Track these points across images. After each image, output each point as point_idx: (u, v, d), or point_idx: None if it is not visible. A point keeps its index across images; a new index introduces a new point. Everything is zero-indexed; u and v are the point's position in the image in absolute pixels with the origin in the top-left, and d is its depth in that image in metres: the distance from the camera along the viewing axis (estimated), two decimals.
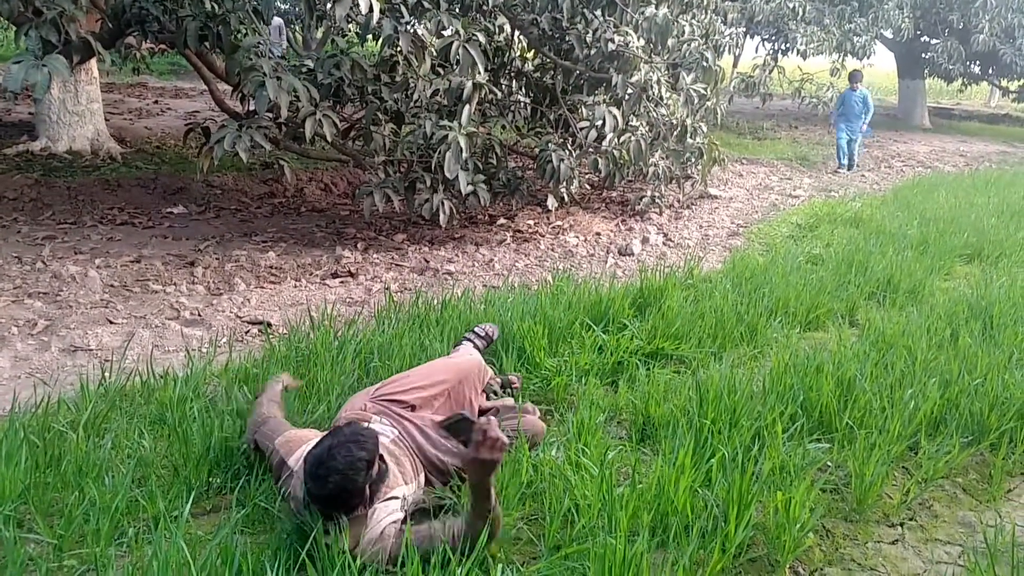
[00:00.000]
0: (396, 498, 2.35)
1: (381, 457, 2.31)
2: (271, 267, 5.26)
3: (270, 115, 5.33)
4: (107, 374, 3.28)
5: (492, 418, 2.23)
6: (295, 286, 4.95)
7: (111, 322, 4.17)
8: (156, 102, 12.37)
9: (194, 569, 2.01)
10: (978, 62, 16.80)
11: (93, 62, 7.98)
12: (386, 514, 2.27)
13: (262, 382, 3.15)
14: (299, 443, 2.46)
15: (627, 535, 2.21)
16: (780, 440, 2.88)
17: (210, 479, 2.63)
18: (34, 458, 2.56)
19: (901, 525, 2.69)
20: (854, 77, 11.17)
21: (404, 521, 2.30)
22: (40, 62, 4.23)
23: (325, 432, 2.41)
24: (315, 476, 2.15)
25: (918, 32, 16.30)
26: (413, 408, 2.75)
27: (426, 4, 5.36)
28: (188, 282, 4.87)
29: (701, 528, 2.42)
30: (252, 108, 5.34)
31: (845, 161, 11.20)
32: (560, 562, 2.27)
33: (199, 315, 4.34)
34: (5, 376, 3.48)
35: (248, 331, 4.19)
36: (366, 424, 2.49)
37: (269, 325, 4.20)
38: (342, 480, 2.13)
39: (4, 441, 2.59)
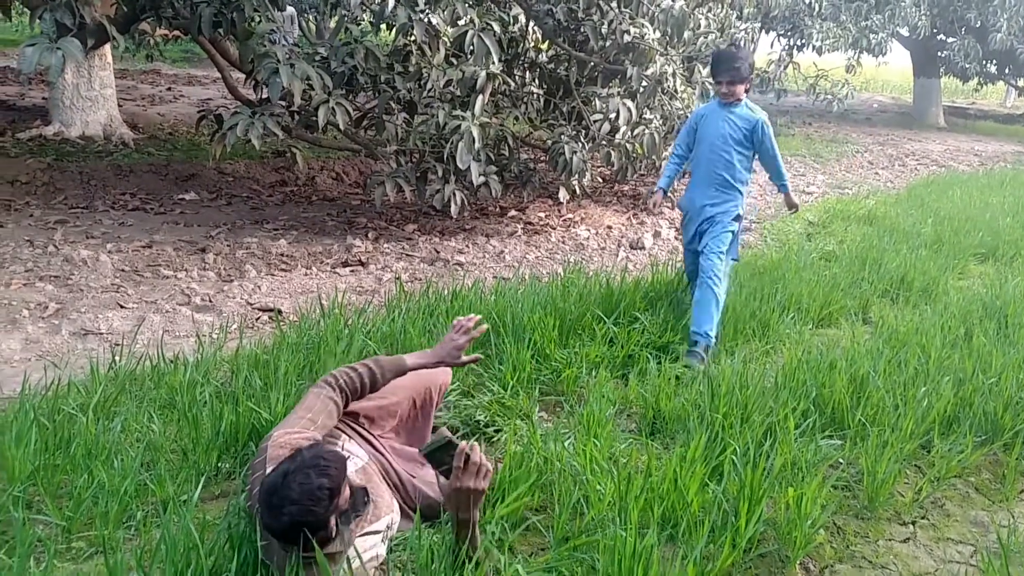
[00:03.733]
0: (377, 532, 2.09)
1: (362, 488, 2.05)
2: (282, 255, 5.26)
3: (283, 103, 5.33)
4: (117, 358, 3.28)
5: (474, 442, 2.00)
6: (306, 274, 4.94)
7: (122, 306, 4.17)
8: (169, 89, 12.38)
9: (202, 553, 2.01)
10: (995, 61, 16.62)
11: (107, 48, 8.00)
12: (365, 548, 2.00)
13: (272, 368, 3.14)
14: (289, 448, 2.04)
15: (637, 528, 2.19)
16: (792, 436, 2.86)
17: (219, 464, 2.63)
18: (44, 440, 2.56)
19: (913, 523, 2.67)
20: (721, 68, 3.95)
21: (386, 559, 2.10)
22: (54, 45, 4.23)
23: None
24: (269, 506, 1.85)
25: (935, 30, 16.15)
26: (372, 421, 2.48)
27: None
28: (199, 268, 4.87)
29: (712, 523, 2.40)
30: (265, 95, 5.33)
31: (712, 331, 3.80)
32: (569, 553, 2.26)
33: (210, 301, 4.35)
34: (16, 358, 3.49)
35: (258, 318, 4.19)
36: (332, 446, 2.15)
37: (279, 312, 4.20)
38: (299, 512, 1.82)
39: (14, 423, 2.60)
